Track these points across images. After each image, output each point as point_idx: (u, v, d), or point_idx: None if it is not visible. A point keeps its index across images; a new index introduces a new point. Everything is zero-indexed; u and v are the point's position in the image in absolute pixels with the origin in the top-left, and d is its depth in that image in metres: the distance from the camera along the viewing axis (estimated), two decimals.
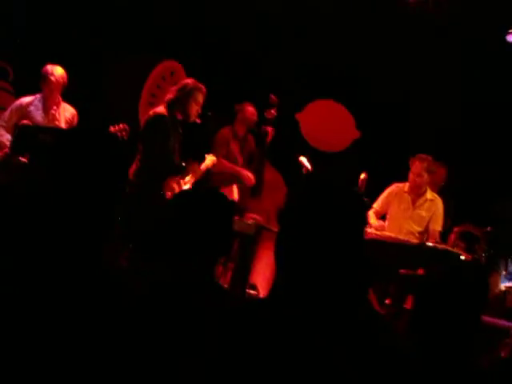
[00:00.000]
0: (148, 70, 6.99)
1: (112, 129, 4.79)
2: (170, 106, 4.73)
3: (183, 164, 4.92)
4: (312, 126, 7.14)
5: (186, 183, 5.05)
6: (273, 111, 5.72)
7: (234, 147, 5.93)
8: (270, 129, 5.75)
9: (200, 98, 4.81)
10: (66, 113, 5.27)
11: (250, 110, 5.91)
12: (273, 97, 5.71)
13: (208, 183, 5.64)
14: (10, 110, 5.22)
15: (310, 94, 7.11)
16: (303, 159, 5.35)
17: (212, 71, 6.37)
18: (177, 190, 4.77)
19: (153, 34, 6.59)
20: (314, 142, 7.10)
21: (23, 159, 4.70)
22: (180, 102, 4.73)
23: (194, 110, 4.79)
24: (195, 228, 1.93)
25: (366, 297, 2.67)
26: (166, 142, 4.67)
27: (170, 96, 4.79)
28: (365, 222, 1.64)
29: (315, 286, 1.55)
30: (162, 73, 7.05)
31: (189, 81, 4.88)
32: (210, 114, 5.15)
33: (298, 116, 7.19)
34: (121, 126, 4.81)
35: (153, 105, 6.50)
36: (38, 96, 5.21)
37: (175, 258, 1.91)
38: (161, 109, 4.75)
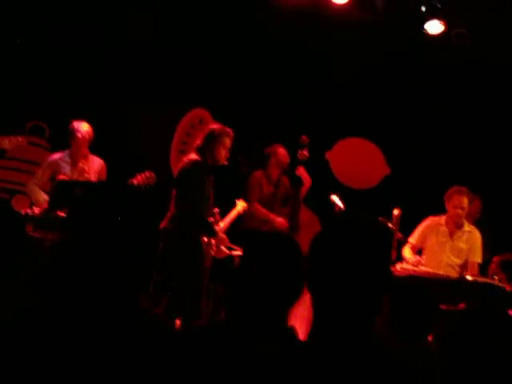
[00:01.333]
0: (177, 119, 7.13)
1: (138, 176, 4.94)
2: (200, 152, 4.79)
3: (215, 210, 4.96)
4: (342, 164, 7.17)
5: (220, 230, 5.08)
6: (305, 152, 5.72)
7: (268, 191, 5.95)
8: (302, 170, 5.77)
9: (227, 142, 4.85)
10: (94, 165, 5.44)
11: (282, 152, 5.94)
12: (304, 137, 5.72)
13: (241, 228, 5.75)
14: (42, 167, 5.45)
15: (337, 133, 7.16)
16: (335, 198, 5.39)
17: (240, 116, 6.47)
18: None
19: (180, 84, 6.70)
20: (345, 180, 7.12)
21: (61, 214, 4.80)
22: (208, 148, 4.78)
23: (223, 154, 4.83)
24: (268, 273, 1.95)
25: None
26: (203, 188, 4.73)
27: (198, 142, 4.85)
28: (389, 257, 1.69)
29: (344, 320, 1.63)
30: (191, 121, 7.19)
31: (215, 126, 4.93)
32: (239, 157, 5.27)
33: (328, 155, 7.22)
34: (146, 173, 4.95)
35: (184, 152, 6.61)
36: (67, 151, 5.40)
37: (243, 306, 1.94)
38: (194, 156, 4.80)
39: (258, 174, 5.96)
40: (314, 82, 6.71)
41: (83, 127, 5.26)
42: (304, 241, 5.95)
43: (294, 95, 6.76)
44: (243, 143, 5.22)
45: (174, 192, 4.81)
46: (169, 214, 4.78)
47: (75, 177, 5.28)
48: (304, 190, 5.85)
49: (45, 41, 6.13)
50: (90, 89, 6.35)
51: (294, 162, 5.84)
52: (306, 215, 6.06)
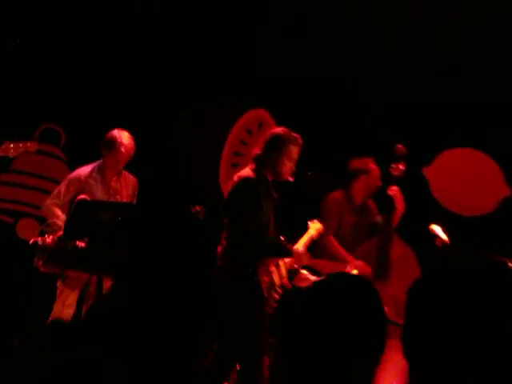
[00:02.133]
0: (229, 123, 7.19)
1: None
2: (258, 163, 4.83)
3: (282, 238, 4.96)
4: (446, 183, 7.10)
5: (286, 264, 5.07)
6: (400, 166, 5.67)
7: (350, 218, 5.94)
8: (396, 190, 5.68)
9: (294, 152, 4.87)
10: (127, 184, 5.55)
11: (376, 171, 5.93)
12: (400, 147, 5.68)
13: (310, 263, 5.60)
14: (65, 183, 5.50)
15: (439, 142, 7.04)
16: (436, 228, 5.34)
17: (309, 120, 6.47)
18: (275, 273, 4.84)
19: (234, 78, 6.80)
20: (450, 204, 7.03)
21: (81, 244, 4.85)
22: (270, 158, 4.82)
23: (288, 167, 4.86)
24: (342, 330, 2.03)
25: None
26: (259, 213, 4.74)
27: (256, 151, 4.89)
28: None
29: None
30: (247, 125, 7.24)
31: (279, 130, 4.96)
32: (309, 173, 5.22)
33: (427, 171, 7.15)
34: (197, 207, 5.11)
35: (238, 166, 6.71)
36: (95, 166, 5.47)
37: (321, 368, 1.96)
38: (247, 171, 4.83)
39: (337, 195, 5.96)
40: (402, 74, 6.71)
41: (127, 139, 5.36)
42: (396, 283, 5.87)
43: (377, 93, 6.75)
44: (313, 155, 5.24)
45: (225, 221, 4.85)
46: (219, 248, 4.84)
47: (107, 199, 5.38)
48: (397, 216, 5.77)
49: (66, 32, 6.39)
50: (117, 88, 6.56)
51: (385, 178, 5.81)
52: (398, 250, 5.94)
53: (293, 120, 5.94)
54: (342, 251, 5.78)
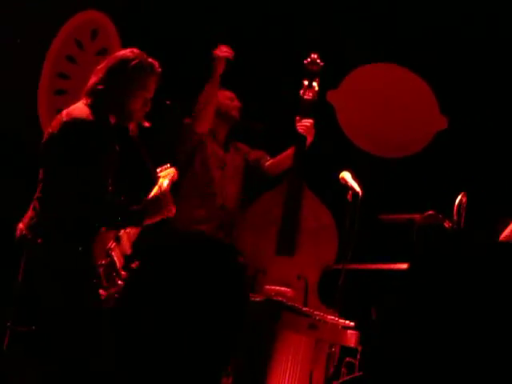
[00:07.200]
0: (49, 31, 7.03)
1: None
2: (97, 99, 4.77)
3: (122, 199, 4.92)
4: (359, 113, 7.19)
5: (130, 235, 5.09)
6: (314, 87, 5.88)
7: (212, 158, 6.18)
8: (309, 125, 5.84)
9: (151, 83, 4.86)
10: None
11: (224, 93, 6.13)
12: (314, 57, 5.87)
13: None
14: None
15: (351, 56, 7.15)
16: (347, 176, 5.47)
17: (167, 30, 6.58)
18: (116, 250, 4.86)
19: None
20: (365, 143, 7.15)
21: None
22: (115, 93, 4.78)
23: (139, 104, 4.85)
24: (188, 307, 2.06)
25: None
26: (97, 168, 4.68)
27: (94, 81, 4.83)
28: None
29: None
30: (76, 33, 7.12)
31: (128, 53, 4.89)
32: (168, 102, 5.33)
33: (331, 96, 7.21)
34: None
35: (64, 94, 6.72)
36: None
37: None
38: (82, 108, 4.75)
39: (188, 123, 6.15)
40: None
41: None
42: (307, 257, 6.14)
43: None
44: (173, 77, 5.23)
45: (41, 173, 4.79)
46: (30, 214, 4.76)
47: None
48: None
49: None
50: None
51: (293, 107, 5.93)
52: (308, 211, 5.95)
53: (145, 27, 6.17)
54: None
